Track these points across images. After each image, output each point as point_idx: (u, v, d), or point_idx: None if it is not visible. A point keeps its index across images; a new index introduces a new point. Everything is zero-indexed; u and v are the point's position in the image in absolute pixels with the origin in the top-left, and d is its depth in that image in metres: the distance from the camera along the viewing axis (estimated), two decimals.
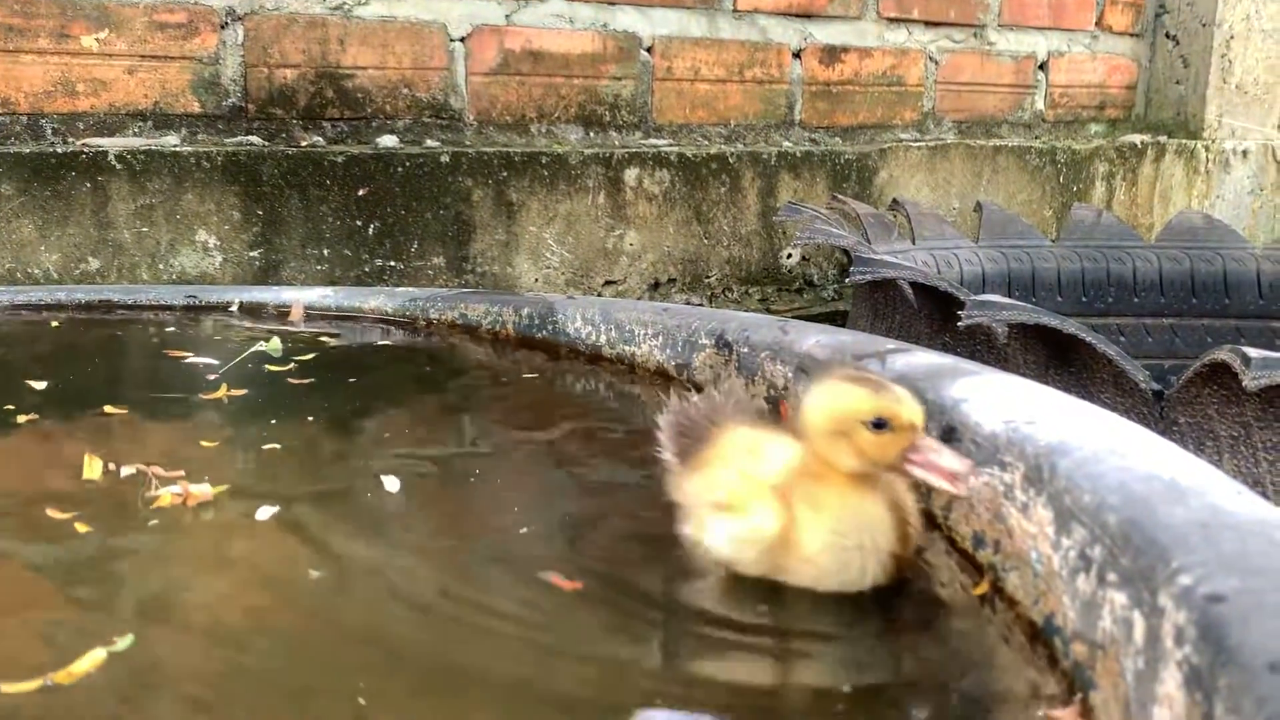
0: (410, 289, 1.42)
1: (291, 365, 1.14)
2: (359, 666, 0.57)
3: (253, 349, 1.15)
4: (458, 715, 0.54)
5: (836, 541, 0.65)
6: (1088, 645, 0.55)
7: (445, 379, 1.19)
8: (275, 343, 1.18)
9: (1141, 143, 2.43)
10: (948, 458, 0.65)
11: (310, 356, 1.18)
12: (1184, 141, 2.47)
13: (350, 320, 1.36)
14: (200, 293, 1.41)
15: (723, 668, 0.60)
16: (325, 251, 1.58)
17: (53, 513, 0.73)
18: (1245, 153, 2.55)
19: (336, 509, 0.78)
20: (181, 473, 0.80)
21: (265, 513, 0.75)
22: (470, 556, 0.73)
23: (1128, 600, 0.51)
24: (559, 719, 0.54)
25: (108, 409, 0.96)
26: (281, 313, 1.37)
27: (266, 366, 1.13)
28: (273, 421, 0.96)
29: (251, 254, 1.55)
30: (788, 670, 0.61)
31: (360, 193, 1.59)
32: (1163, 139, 2.47)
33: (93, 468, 0.81)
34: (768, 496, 0.66)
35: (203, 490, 0.77)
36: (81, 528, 0.72)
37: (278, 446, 0.90)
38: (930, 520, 0.79)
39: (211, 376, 1.08)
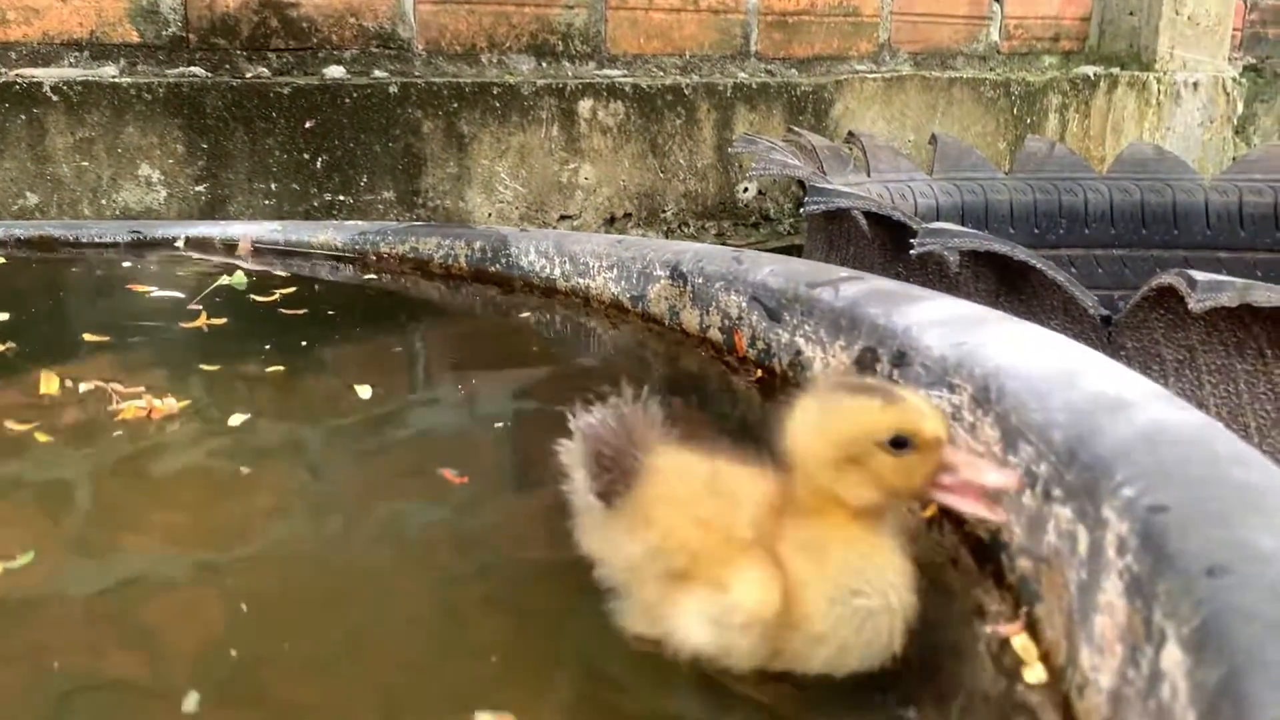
0: (359, 222, 1.40)
1: (252, 299, 1.13)
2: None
3: (217, 283, 1.14)
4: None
5: (857, 605, 0.49)
6: (1033, 560, 0.56)
7: (399, 312, 1.18)
8: (240, 276, 1.17)
9: (1094, 75, 2.43)
10: (988, 471, 0.51)
11: (281, 293, 1.16)
12: (1136, 74, 2.48)
13: (299, 256, 1.34)
14: (145, 228, 1.37)
15: None
16: (272, 186, 1.55)
17: (12, 425, 0.75)
18: (1196, 85, 2.56)
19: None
20: (142, 388, 0.81)
21: (235, 420, 0.78)
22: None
23: (1072, 514, 0.52)
24: None
25: (87, 336, 0.97)
26: (229, 248, 1.34)
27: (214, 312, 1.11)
28: (246, 348, 0.97)
29: (197, 188, 1.52)
30: None
31: (307, 125, 1.56)
32: (1115, 71, 2.48)
33: (49, 383, 0.82)
34: (749, 555, 0.49)
35: (168, 404, 0.79)
36: (41, 437, 0.73)
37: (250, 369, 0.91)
38: None
39: (193, 307, 1.07)
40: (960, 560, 0.64)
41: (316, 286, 1.22)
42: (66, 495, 0.68)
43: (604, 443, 0.53)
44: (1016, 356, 0.67)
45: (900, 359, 0.77)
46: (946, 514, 0.68)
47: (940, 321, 0.77)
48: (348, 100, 1.58)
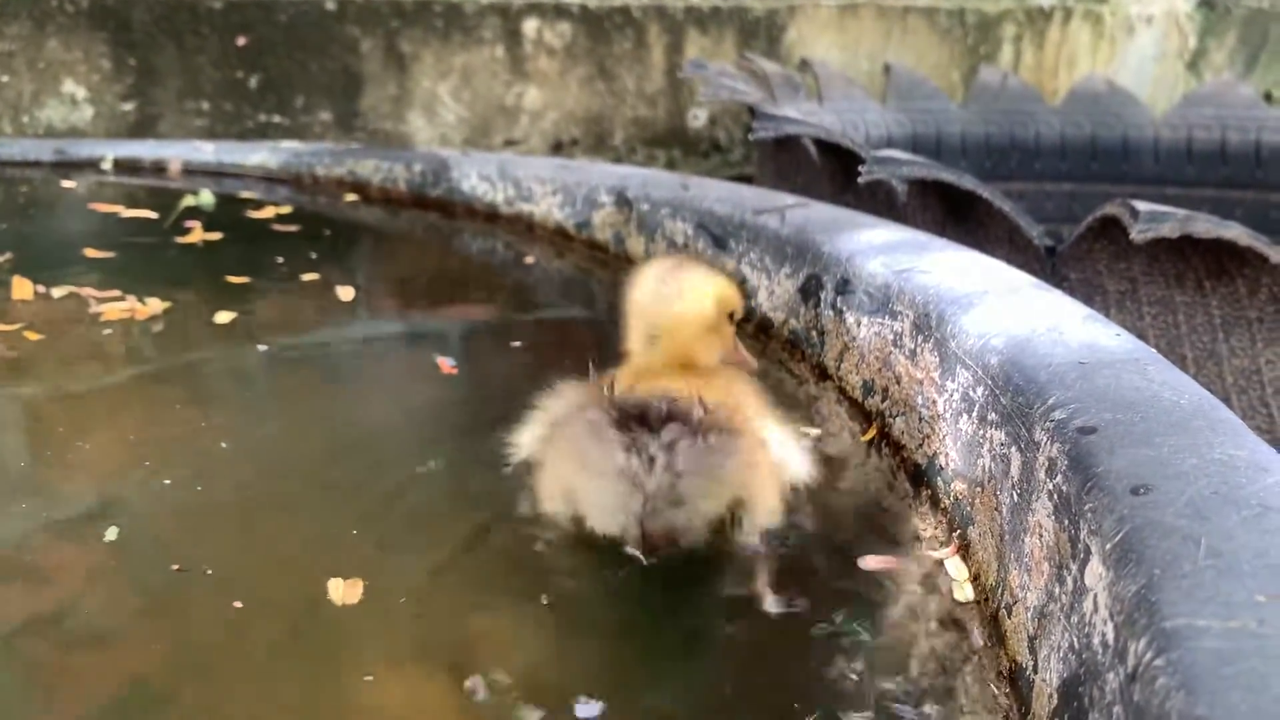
0: (295, 144, 1.35)
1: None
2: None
3: (184, 203, 1.13)
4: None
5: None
6: (968, 484, 0.56)
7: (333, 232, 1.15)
8: (206, 195, 1.15)
9: (1050, 6, 2.41)
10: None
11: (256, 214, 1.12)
12: (1091, 6, 2.46)
13: (232, 177, 1.30)
14: (70, 147, 1.32)
15: None
16: (204, 105, 1.49)
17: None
18: (1150, 19, 2.55)
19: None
20: (116, 292, 0.86)
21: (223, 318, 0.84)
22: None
23: (1006, 438, 0.51)
24: None
25: (89, 252, 0.99)
26: (158, 169, 1.30)
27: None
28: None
29: (125, 106, 1.46)
30: None
31: (240, 42, 1.50)
32: (1071, 3, 2.46)
33: (22, 288, 0.85)
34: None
35: (151, 305, 0.84)
36: (32, 336, 0.78)
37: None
38: (822, 372, 0.79)
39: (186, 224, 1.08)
40: (896, 485, 0.64)
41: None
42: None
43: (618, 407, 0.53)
44: (957, 284, 0.66)
45: (844, 286, 0.76)
46: (885, 438, 0.68)
47: (884, 248, 0.76)
48: (283, 17, 1.52)
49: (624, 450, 0.51)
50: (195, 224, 1.07)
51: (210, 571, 0.51)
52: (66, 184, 1.23)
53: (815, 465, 0.58)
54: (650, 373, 0.58)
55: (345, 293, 0.92)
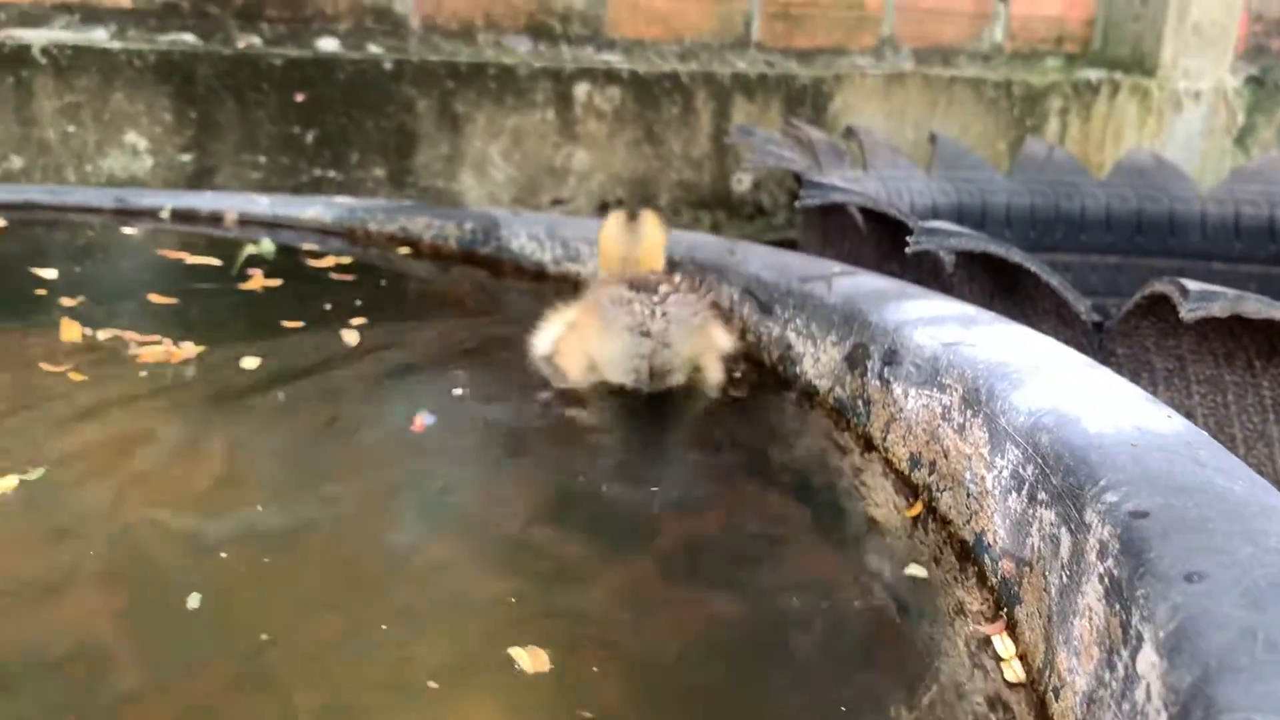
0: (349, 199, 1.38)
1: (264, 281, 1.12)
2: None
3: (246, 251, 1.16)
4: None
5: None
6: (1016, 562, 0.55)
7: (390, 290, 1.16)
8: (267, 244, 1.17)
9: (1097, 79, 2.42)
10: None
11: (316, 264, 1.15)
12: (1139, 80, 2.47)
13: (286, 229, 1.32)
14: (130, 196, 1.36)
15: None
16: (261, 159, 1.53)
17: (47, 366, 0.82)
18: (1198, 94, 2.55)
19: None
20: (156, 336, 0.89)
21: (249, 363, 0.86)
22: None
23: (1056, 518, 0.51)
24: None
25: (153, 297, 1.02)
26: (214, 219, 1.33)
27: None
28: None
29: (184, 158, 1.50)
30: (737, 579, 0.61)
31: (299, 98, 1.54)
32: (1118, 76, 2.46)
33: (70, 331, 0.88)
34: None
35: (185, 348, 0.87)
36: (76, 377, 0.81)
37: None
38: (868, 442, 0.79)
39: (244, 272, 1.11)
40: (942, 559, 0.63)
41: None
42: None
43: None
44: (1007, 358, 0.66)
45: (891, 356, 0.76)
46: (932, 512, 0.68)
47: (932, 320, 0.77)
48: (341, 75, 1.56)
49: (637, 305, 0.79)
50: (257, 271, 1.10)
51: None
52: (127, 230, 1.26)
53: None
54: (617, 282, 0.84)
55: (391, 351, 0.94)
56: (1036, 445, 0.55)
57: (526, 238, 1.26)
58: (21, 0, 1.47)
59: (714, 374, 0.85)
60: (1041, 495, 0.53)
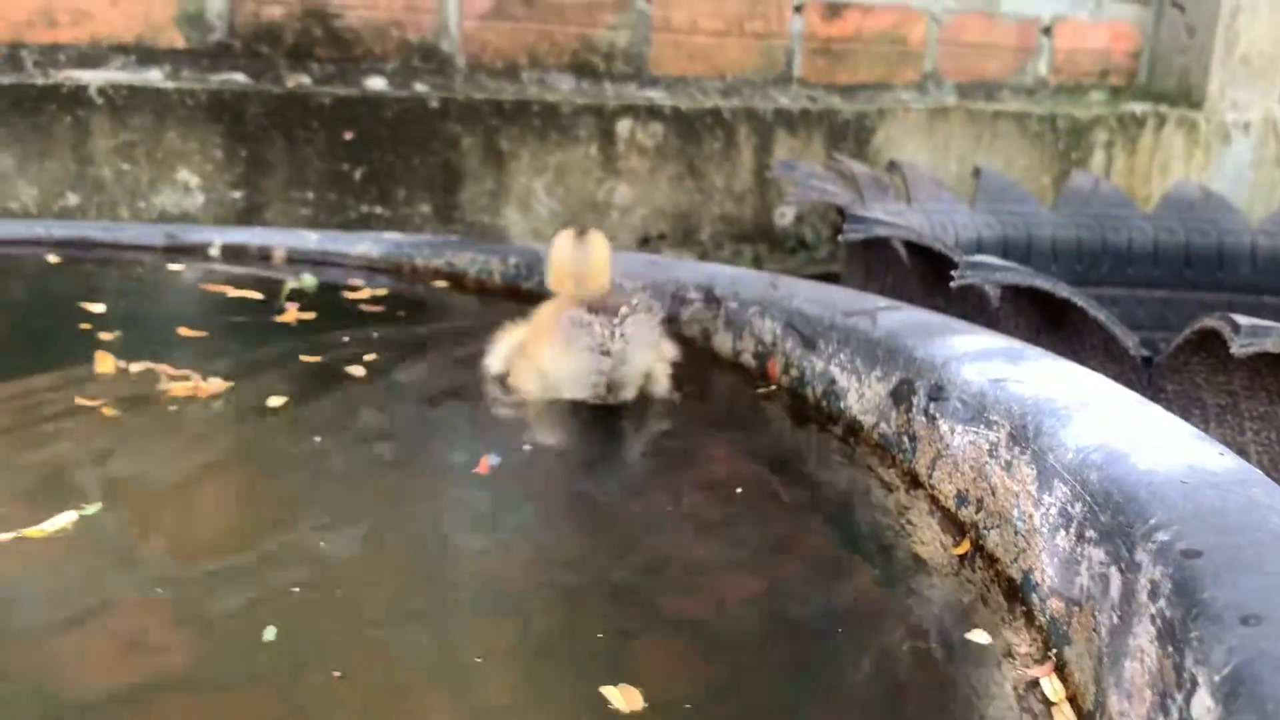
0: (395, 235, 1.40)
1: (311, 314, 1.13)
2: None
3: (289, 286, 1.18)
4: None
5: None
6: (1065, 601, 0.54)
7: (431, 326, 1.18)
8: (309, 279, 1.19)
9: (1142, 112, 2.40)
10: None
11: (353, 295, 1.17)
12: (1186, 112, 2.44)
13: (334, 265, 1.34)
14: (181, 232, 1.39)
15: None
16: (310, 195, 1.56)
17: (81, 400, 0.83)
18: (1247, 126, 2.52)
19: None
20: (186, 371, 0.89)
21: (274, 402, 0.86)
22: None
23: (1105, 557, 0.50)
24: None
25: (183, 331, 1.03)
26: (263, 255, 1.35)
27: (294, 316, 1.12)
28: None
29: (234, 195, 1.53)
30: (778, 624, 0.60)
31: (347, 136, 1.57)
32: (1164, 109, 2.44)
33: (104, 363, 0.89)
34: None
35: (213, 384, 0.87)
36: (109, 411, 0.81)
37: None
38: (914, 479, 0.78)
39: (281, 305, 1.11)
40: (990, 599, 0.62)
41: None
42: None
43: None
44: (1055, 395, 0.65)
45: (937, 392, 0.76)
46: (979, 550, 0.67)
47: (979, 356, 0.76)
48: (388, 113, 1.59)
49: (597, 327, 0.84)
50: (292, 305, 1.12)
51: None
52: (174, 267, 1.29)
53: None
54: (570, 301, 0.89)
55: (422, 385, 0.95)
56: (1085, 482, 0.55)
57: None
58: (80, 41, 1.51)
59: (662, 382, 0.93)
60: (1090, 533, 0.52)
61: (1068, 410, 0.63)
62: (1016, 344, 0.78)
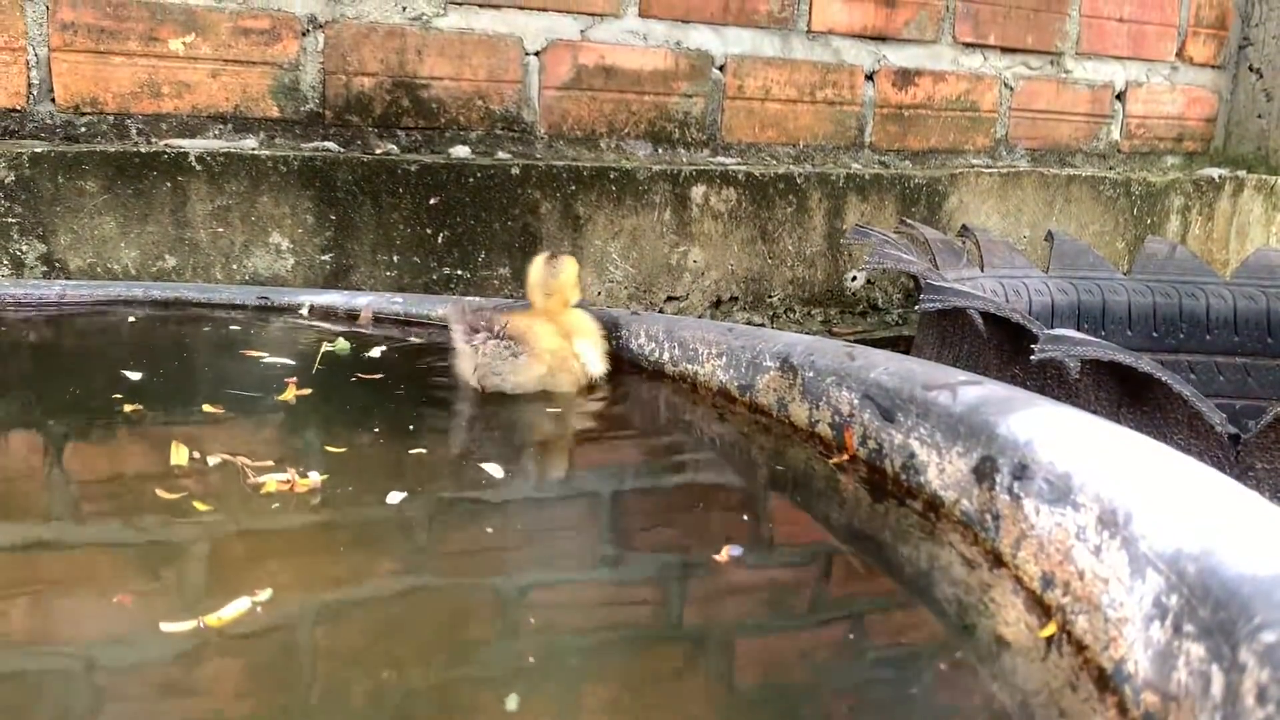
0: (477, 298, 1.43)
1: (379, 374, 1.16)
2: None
3: (322, 350, 1.18)
4: None
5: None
6: (1160, 696, 0.54)
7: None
8: (341, 343, 1.20)
9: (1219, 177, 2.38)
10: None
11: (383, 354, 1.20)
12: (1264, 177, 2.41)
13: (418, 326, 1.38)
14: (273, 294, 1.43)
15: None
16: (395, 258, 1.61)
17: (162, 493, 0.79)
18: None
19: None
20: (270, 462, 0.85)
21: (392, 499, 0.82)
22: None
23: (1205, 653, 0.50)
24: None
25: (206, 407, 1.01)
26: (351, 316, 1.39)
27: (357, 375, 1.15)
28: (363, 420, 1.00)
29: (323, 258, 1.58)
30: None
31: (431, 201, 1.61)
32: (1242, 174, 2.42)
33: (179, 454, 0.85)
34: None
35: (311, 480, 0.82)
36: (200, 506, 0.77)
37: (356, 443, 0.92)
38: (997, 558, 0.78)
39: (289, 380, 1.10)
40: (1079, 687, 0.62)
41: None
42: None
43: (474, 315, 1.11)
44: (1147, 479, 0.65)
45: (1021, 471, 0.76)
46: (1067, 635, 0.66)
47: (1065, 435, 0.76)
48: (471, 179, 1.64)
49: (470, 344, 1.09)
50: (292, 383, 1.09)
51: None
52: (237, 328, 1.32)
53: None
54: (542, 312, 1.15)
55: (506, 463, 0.96)
56: (1181, 574, 0.54)
57: (646, 338, 1.29)
58: (181, 111, 1.58)
59: (569, 384, 1.14)
60: (1188, 628, 0.52)
61: (1160, 496, 0.62)
62: (1104, 424, 0.78)
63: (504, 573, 0.74)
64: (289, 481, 0.82)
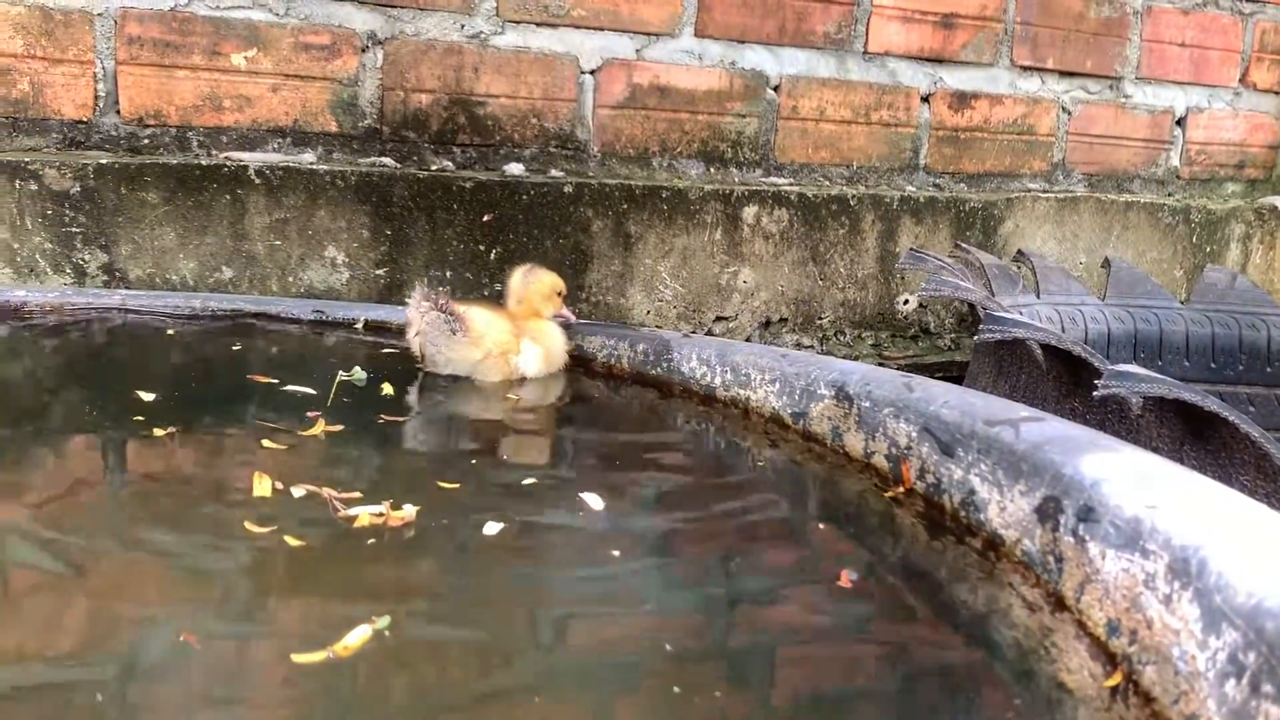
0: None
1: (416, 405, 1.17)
2: None
3: (338, 379, 1.15)
4: None
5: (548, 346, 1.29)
6: None
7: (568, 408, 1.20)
8: (358, 372, 1.18)
9: None
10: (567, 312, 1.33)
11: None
12: None
13: None
14: (328, 308, 1.45)
15: None
16: (448, 273, 1.61)
17: (251, 526, 0.77)
18: None
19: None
20: (358, 494, 0.83)
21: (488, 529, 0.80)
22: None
23: None
24: None
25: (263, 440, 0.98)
26: (401, 332, 1.39)
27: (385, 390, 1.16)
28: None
29: (377, 272, 1.59)
30: None
31: (485, 218, 1.62)
32: None
33: (262, 485, 0.83)
34: (520, 338, 1.27)
35: (406, 513, 0.80)
36: (292, 541, 0.75)
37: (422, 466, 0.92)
38: (1059, 601, 0.76)
39: (310, 414, 1.10)
40: None
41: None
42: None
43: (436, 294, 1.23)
44: (1221, 528, 0.63)
45: (1087, 514, 0.74)
46: (1133, 685, 0.65)
47: (1133, 478, 0.74)
48: (525, 196, 1.64)
49: (417, 311, 1.22)
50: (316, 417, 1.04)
51: None
52: (323, 340, 1.33)
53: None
54: (508, 314, 1.27)
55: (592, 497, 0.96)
56: (1260, 631, 0.53)
57: (697, 361, 1.28)
58: (242, 125, 1.60)
59: (494, 376, 1.24)
60: (1267, 688, 0.51)
61: (1235, 546, 0.61)
62: (1175, 468, 0.76)
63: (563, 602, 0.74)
64: (382, 515, 0.80)
